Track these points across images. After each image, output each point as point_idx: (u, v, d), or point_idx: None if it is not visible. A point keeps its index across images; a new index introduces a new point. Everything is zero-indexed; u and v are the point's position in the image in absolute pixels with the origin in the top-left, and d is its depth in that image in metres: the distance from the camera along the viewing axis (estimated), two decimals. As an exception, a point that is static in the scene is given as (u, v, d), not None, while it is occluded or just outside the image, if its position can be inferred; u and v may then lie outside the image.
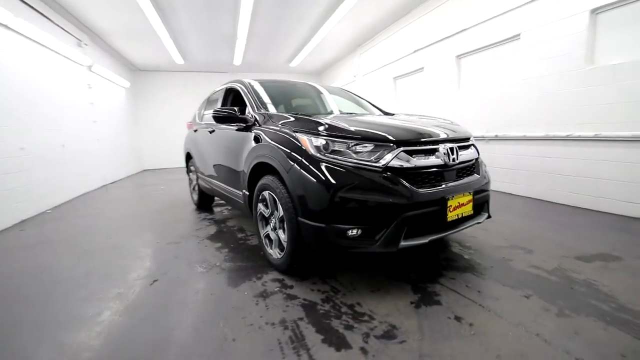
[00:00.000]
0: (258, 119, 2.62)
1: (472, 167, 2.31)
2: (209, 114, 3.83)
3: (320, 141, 1.94)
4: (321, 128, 2.01)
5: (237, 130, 2.85)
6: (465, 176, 2.21)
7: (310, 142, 1.96)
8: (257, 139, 2.49)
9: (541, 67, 4.08)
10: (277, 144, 2.18)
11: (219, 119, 2.80)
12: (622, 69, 3.28)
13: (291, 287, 2.11)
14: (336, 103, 3.41)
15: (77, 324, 1.78)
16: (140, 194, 6.14)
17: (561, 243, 2.71)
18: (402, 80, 7.35)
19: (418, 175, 1.93)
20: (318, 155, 1.91)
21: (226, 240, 3.13)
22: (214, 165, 3.45)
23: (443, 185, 1.99)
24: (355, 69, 9.41)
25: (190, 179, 4.74)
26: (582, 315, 1.69)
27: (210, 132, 3.48)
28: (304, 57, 9.90)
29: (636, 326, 1.58)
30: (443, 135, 2.14)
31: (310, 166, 1.89)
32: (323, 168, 1.86)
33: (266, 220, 2.43)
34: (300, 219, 1.93)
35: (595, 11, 3.50)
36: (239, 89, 3.16)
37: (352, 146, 1.91)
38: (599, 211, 3.57)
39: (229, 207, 4.51)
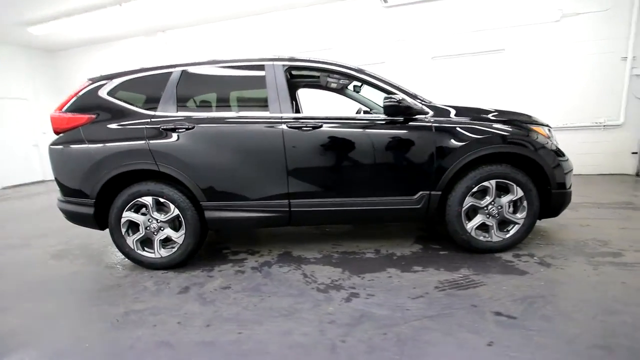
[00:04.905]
0: (430, 111, 2.47)
1: None
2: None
3: (546, 130, 2.49)
4: (533, 119, 2.54)
5: (388, 124, 2.44)
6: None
7: (546, 132, 2.45)
8: (453, 135, 2.39)
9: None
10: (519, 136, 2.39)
11: (397, 109, 2.35)
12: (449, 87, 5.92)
13: (531, 255, 2.48)
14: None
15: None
16: None
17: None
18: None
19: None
20: (555, 142, 2.46)
21: (394, 266, 2.47)
22: (328, 173, 2.49)
23: None
24: (160, 55, 7.61)
25: (141, 224, 2.45)
26: (613, 207, 3.57)
27: (306, 130, 2.38)
28: (63, 25, 6.46)
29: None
30: None
31: (558, 150, 2.44)
32: (563, 151, 2.48)
33: (471, 214, 2.49)
34: (556, 191, 2.41)
35: (433, 58, 5.92)
36: (358, 74, 2.69)
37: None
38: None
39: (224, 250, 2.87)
